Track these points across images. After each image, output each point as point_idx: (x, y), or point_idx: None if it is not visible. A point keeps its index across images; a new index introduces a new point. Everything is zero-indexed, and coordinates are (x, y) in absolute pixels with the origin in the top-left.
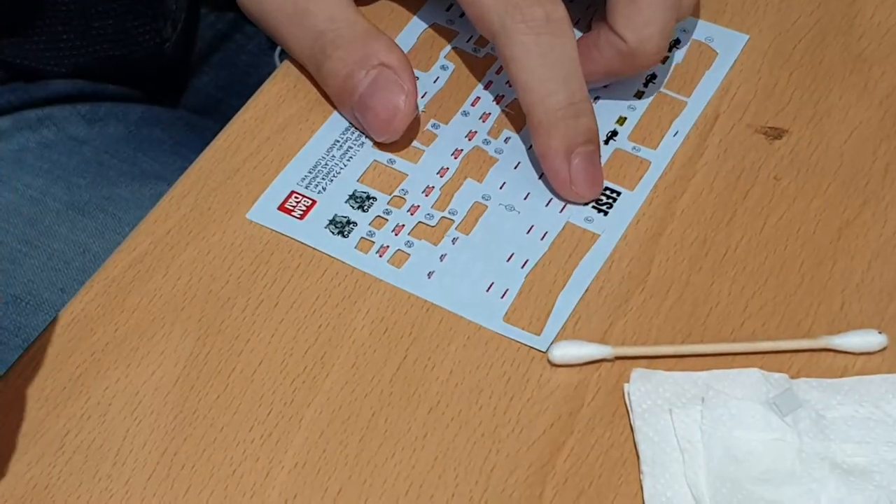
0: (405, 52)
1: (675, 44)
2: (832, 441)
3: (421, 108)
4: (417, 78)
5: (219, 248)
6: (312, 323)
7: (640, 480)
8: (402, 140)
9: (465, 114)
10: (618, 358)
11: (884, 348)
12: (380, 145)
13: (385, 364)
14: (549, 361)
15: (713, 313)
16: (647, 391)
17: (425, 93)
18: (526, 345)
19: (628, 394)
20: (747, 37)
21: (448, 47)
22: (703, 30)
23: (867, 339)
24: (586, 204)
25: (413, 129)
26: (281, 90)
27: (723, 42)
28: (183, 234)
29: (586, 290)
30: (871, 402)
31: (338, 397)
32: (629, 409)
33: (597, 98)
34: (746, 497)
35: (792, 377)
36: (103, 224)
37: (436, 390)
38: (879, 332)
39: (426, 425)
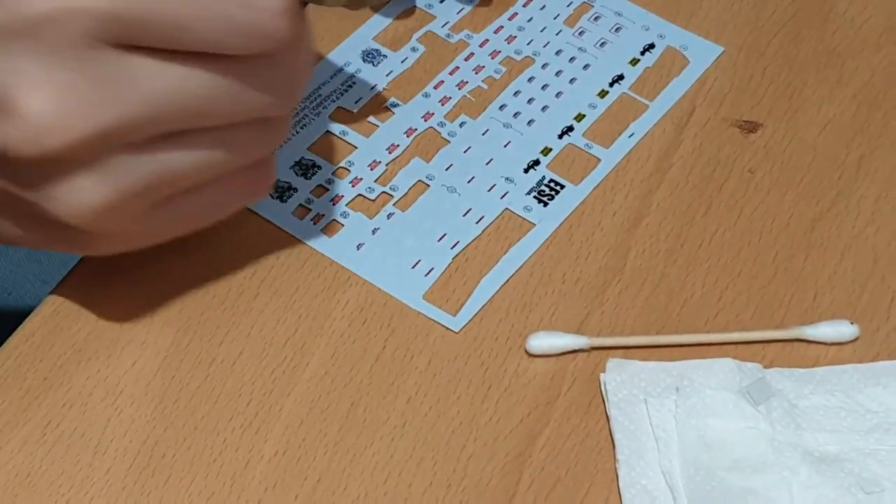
0: (378, 32)
1: (649, 48)
2: (804, 430)
3: (384, 85)
4: (385, 56)
5: (199, 241)
6: (292, 314)
7: (616, 469)
8: (360, 114)
9: (427, 95)
10: (594, 348)
11: (855, 339)
12: (336, 116)
13: (364, 355)
14: (526, 352)
15: (688, 304)
16: (622, 381)
17: (391, 71)
18: (440, 324)
19: (604, 383)
20: (722, 49)
21: (423, 30)
22: (680, 37)
23: (839, 330)
24: (527, 194)
25: (373, 105)
26: None
27: (696, 51)
28: None
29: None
30: (843, 392)
31: (317, 387)
32: (605, 398)
33: (559, 93)
34: (719, 484)
35: (765, 367)
36: None
37: (414, 380)
38: (851, 323)
39: (404, 415)
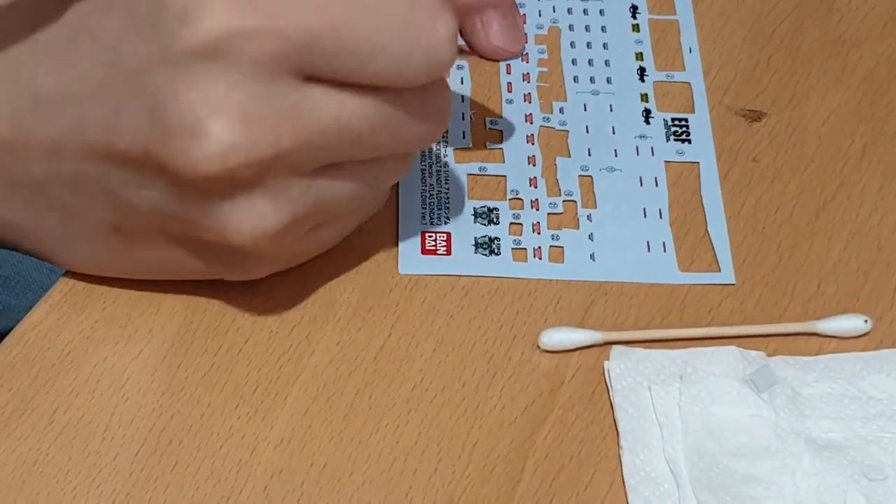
0: None
1: None
2: (807, 417)
3: (467, 109)
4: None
5: None
6: (298, 301)
7: (620, 456)
8: (476, 146)
9: (510, 101)
10: (607, 343)
11: (866, 333)
12: (460, 158)
13: (370, 342)
14: (538, 348)
15: (692, 292)
16: (626, 368)
17: (462, 97)
18: (714, 284)
19: (608, 371)
20: None
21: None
22: None
23: (854, 325)
24: (668, 140)
25: (479, 132)
26: None
27: None
28: None
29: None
30: (846, 380)
31: (323, 375)
32: (609, 386)
33: (605, 44)
34: (723, 471)
35: (769, 355)
36: None
37: (419, 368)
38: (866, 321)
39: (410, 402)
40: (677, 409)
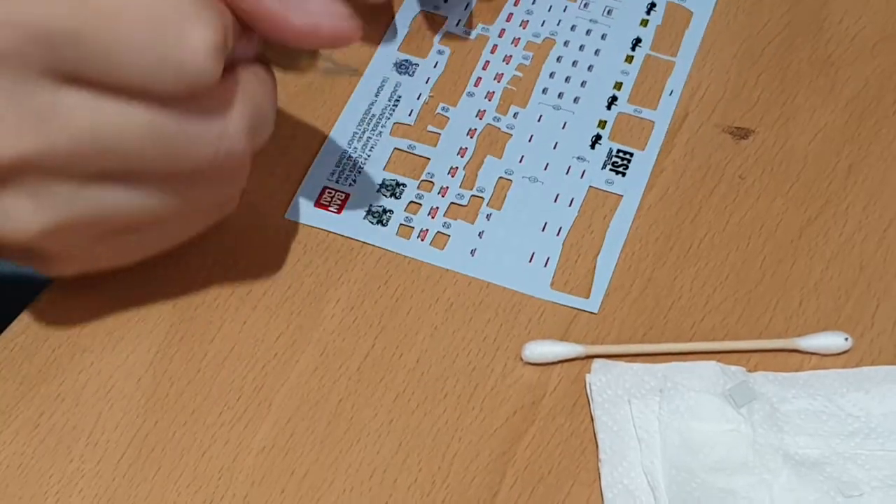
0: (400, 43)
1: (652, 7)
2: (786, 433)
3: (427, 92)
4: (417, 64)
5: (193, 239)
6: (284, 310)
7: (598, 468)
8: (418, 125)
9: (471, 94)
10: (590, 356)
11: (847, 351)
12: (397, 131)
13: (353, 352)
14: (521, 360)
15: (675, 307)
16: (607, 381)
17: (428, 78)
18: (577, 308)
19: (589, 384)
20: None
21: (440, 32)
22: None
23: (835, 342)
24: (603, 168)
25: (427, 114)
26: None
27: (695, 1)
28: None
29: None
30: (825, 396)
31: (307, 383)
32: (590, 399)
33: (591, 66)
34: (700, 485)
35: (749, 371)
36: None
37: (402, 378)
38: (846, 339)
39: (392, 412)
40: (657, 422)
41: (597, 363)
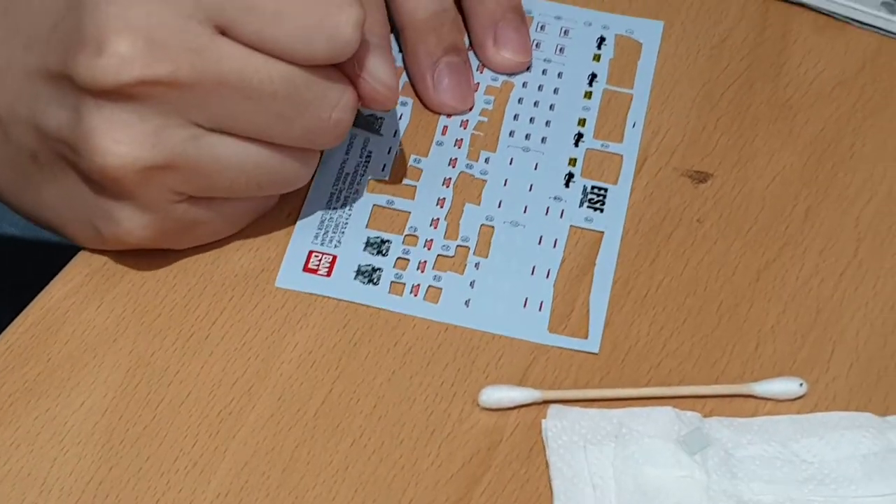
0: None
1: (602, 41)
2: (740, 480)
3: (397, 145)
4: (382, 118)
5: (153, 282)
6: (242, 355)
7: None
8: (392, 179)
9: (440, 143)
10: (546, 402)
11: (801, 396)
12: (373, 188)
13: (311, 397)
14: (478, 405)
15: (632, 351)
16: (563, 427)
17: (395, 131)
18: (578, 350)
19: (545, 430)
20: (662, 23)
21: (400, 83)
22: (622, 23)
23: (789, 388)
24: (580, 206)
25: (400, 167)
26: None
27: (643, 32)
28: (118, 268)
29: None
30: (780, 443)
31: (263, 429)
32: (545, 444)
33: (552, 105)
34: None
35: (705, 416)
36: None
37: (359, 423)
38: (801, 385)
39: (348, 458)
40: (611, 469)
41: (552, 409)
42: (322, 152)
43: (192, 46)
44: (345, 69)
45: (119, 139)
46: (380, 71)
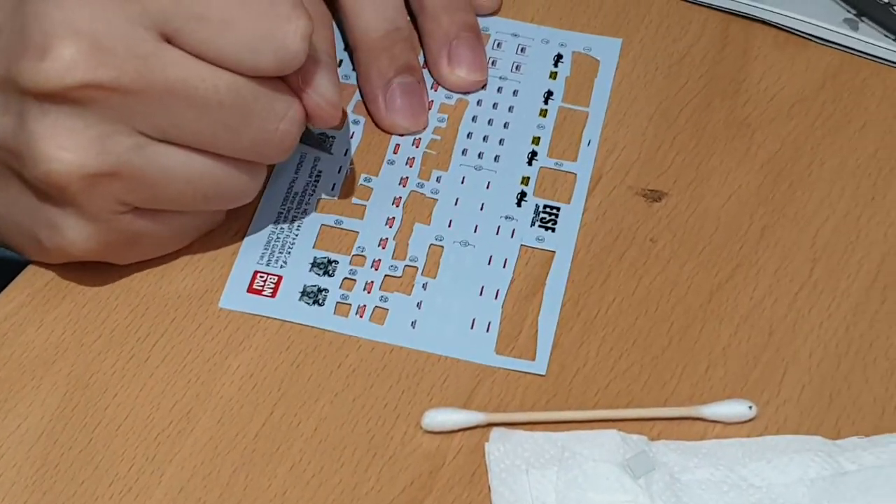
0: None
1: (559, 59)
2: None
3: (347, 164)
4: (333, 137)
5: (94, 302)
6: (182, 378)
7: None
8: (341, 199)
9: (391, 162)
10: (491, 424)
11: (751, 419)
12: (322, 207)
13: (251, 420)
14: (421, 428)
15: (580, 373)
16: (506, 451)
17: (346, 150)
18: (525, 372)
19: (488, 453)
20: (621, 40)
21: (353, 101)
22: (579, 41)
23: (738, 410)
24: (532, 225)
25: (350, 187)
26: None
27: (600, 49)
28: (60, 288)
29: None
30: (727, 466)
31: (201, 453)
32: (488, 468)
33: (506, 124)
34: None
35: (652, 439)
36: None
37: (299, 447)
38: (750, 407)
39: (286, 482)
40: (554, 494)
41: (495, 432)
42: (271, 168)
43: (137, 52)
44: (290, 83)
45: (64, 145)
46: (324, 87)
